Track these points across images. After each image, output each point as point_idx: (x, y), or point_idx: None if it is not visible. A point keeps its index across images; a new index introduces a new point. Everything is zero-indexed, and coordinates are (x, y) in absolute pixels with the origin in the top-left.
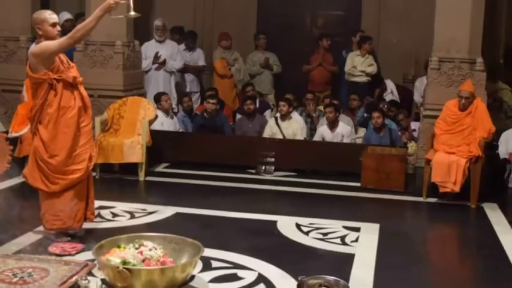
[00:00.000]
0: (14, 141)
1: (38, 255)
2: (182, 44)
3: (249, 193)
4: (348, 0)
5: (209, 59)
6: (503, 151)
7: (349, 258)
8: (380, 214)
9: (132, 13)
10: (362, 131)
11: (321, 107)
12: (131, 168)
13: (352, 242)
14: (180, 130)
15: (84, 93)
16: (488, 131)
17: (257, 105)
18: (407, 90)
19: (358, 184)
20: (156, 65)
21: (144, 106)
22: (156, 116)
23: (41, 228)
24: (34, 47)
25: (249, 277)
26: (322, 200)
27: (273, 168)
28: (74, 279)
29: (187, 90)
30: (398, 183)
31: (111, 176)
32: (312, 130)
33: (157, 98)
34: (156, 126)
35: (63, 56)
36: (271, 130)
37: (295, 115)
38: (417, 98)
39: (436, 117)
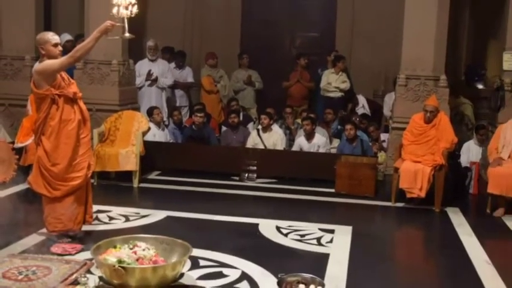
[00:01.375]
0: (20, 151)
1: (41, 254)
2: (172, 63)
3: (233, 198)
4: (323, 23)
5: (197, 76)
6: (464, 160)
7: (324, 258)
8: (352, 217)
9: (127, 34)
10: (336, 142)
11: (299, 120)
12: (126, 175)
13: (327, 242)
14: (171, 141)
15: (83, 107)
16: (451, 142)
17: (241, 118)
18: (377, 105)
19: (333, 190)
20: (148, 82)
21: (137, 119)
22: (149, 128)
23: (44, 230)
24: (38, 65)
25: (233, 275)
26: (300, 205)
27: (255, 175)
28: (74, 276)
29: (177, 104)
30: (369, 189)
31: (108, 182)
32: (290, 141)
33: (150, 112)
34: (149, 137)
35: (64, 74)
36: (253, 141)
37: (275, 127)
38: (386, 111)
39: (403, 129)
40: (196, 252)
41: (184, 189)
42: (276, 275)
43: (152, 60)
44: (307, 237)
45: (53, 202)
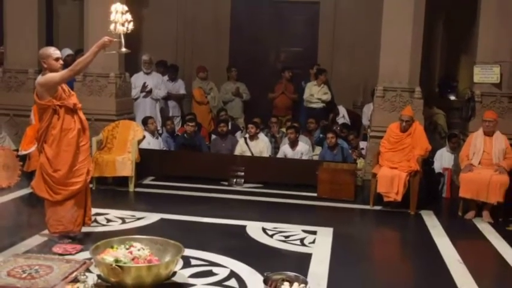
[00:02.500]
0: (23, 158)
1: (43, 254)
2: (166, 76)
3: (222, 202)
4: (306, 39)
5: (189, 88)
6: (438, 166)
7: (307, 257)
8: (333, 220)
9: (123, 49)
10: (318, 149)
11: (284, 129)
12: (122, 181)
13: (309, 243)
14: (164, 148)
15: (83, 117)
16: (425, 150)
17: (229, 127)
18: (356, 115)
19: (315, 194)
20: (143, 93)
21: (133, 128)
22: (144, 137)
23: (46, 231)
24: (40, 78)
25: (222, 273)
26: (285, 208)
27: (242, 180)
28: (74, 275)
29: (170, 114)
30: (349, 194)
31: (106, 187)
32: (275, 148)
33: (145, 121)
34: (144, 145)
35: (65, 86)
36: (241, 148)
37: (261, 136)
38: (365, 121)
39: (381, 137)
40: (188, 252)
41: (176, 194)
42: (262, 274)
43: (147, 73)
44: (291, 238)
45: (55, 205)
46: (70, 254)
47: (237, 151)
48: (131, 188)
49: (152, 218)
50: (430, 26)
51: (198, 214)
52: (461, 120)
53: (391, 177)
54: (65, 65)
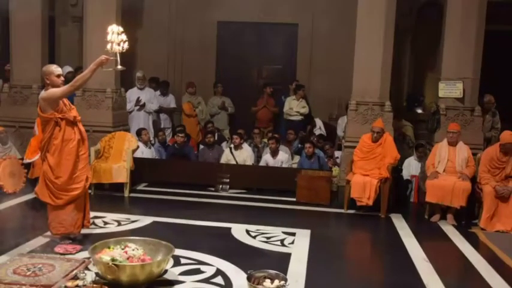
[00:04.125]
0: (28, 166)
1: (46, 254)
2: (158, 91)
3: (209, 206)
4: (286, 57)
5: (179, 102)
6: (406, 174)
7: (287, 257)
8: (311, 222)
9: (119, 67)
10: (297, 158)
11: (265, 140)
12: (118, 186)
13: (289, 243)
14: (156, 157)
15: (82, 128)
16: (394, 158)
17: (216, 138)
18: (332, 127)
19: (294, 199)
20: (137, 107)
21: (128, 139)
22: (138, 147)
23: (48, 233)
24: (43, 93)
25: (209, 271)
26: (266, 211)
27: (228, 187)
28: (74, 272)
29: (162, 126)
30: (325, 199)
31: (103, 192)
32: (258, 157)
33: (139, 133)
34: (138, 154)
35: (65, 100)
36: (226, 157)
37: (245, 146)
38: (339, 132)
39: (354, 147)
40: (178, 252)
41: (167, 199)
42: (245, 271)
43: (140, 89)
44: (272, 239)
45: (56, 209)
46: (70, 254)
47: (223, 160)
48: (126, 194)
49: (145, 220)
50: (399, 46)
51: (187, 217)
52: (428, 131)
53: (363, 184)
54: (66, 81)
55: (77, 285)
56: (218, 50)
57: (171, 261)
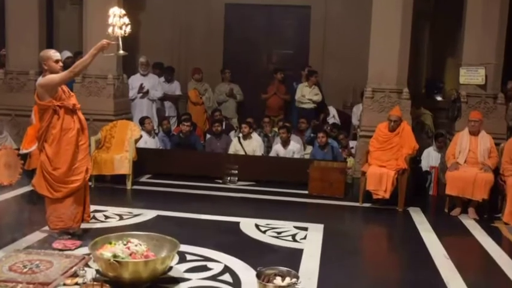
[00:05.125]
0: (24, 157)
1: (44, 250)
2: (162, 77)
3: (216, 199)
4: (298, 41)
5: (184, 89)
6: (425, 165)
7: (298, 253)
8: (324, 216)
9: (121, 52)
10: (309, 148)
11: (276, 129)
12: (120, 178)
13: (301, 239)
14: (160, 147)
15: (82, 117)
16: (412, 148)
17: (223, 127)
18: (346, 115)
19: (306, 192)
20: (140, 94)
21: (131, 128)
22: (141, 136)
23: (46, 228)
24: (41, 80)
25: (216, 268)
26: (277, 205)
27: (236, 178)
28: (73, 269)
29: (166, 114)
30: (339, 191)
31: (104, 185)
32: (268, 147)
33: (142, 121)
34: (141, 144)
35: (64, 87)
36: (234, 147)
37: (254, 135)
38: (354, 121)
39: (370, 137)
40: (183, 247)
41: (172, 191)
42: (255, 268)
43: (144, 75)
44: (283, 234)
45: (55, 203)
46: (69, 250)
47: (231, 150)
48: (129, 186)
49: (149, 214)
50: (417, 29)
51: (193, 211)
52: (448, 120)
53: (380, 175)
54: (65, 67)
55: (76, 283)
56: (226, 33)
57: (176, 258)
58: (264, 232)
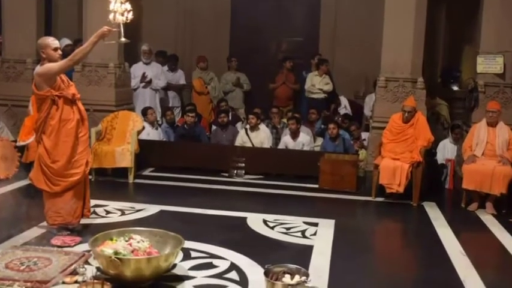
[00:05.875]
0: (22, 149)
1: (42, 246)
2: (165, 66)
3: (222, 193)
4: (307, 28)
5: (188, 79)
6: (440, 157)
7: (308, 249)
8: (335, 211)
9: (123, 39)
10: (320, 140)
11: (285, 120)
12: (122, 172)
13: (311, 235)
14: (164, 139)
15: (82, 107)
16: (428, 140)
17: (230, 118)
18: (358, 105)
19: (316, 186)
20: (143, 84)
21: (133, 119)
22: (143, 127)
23: (44, 223)
24: (39, 68)
25: (222, 265)
26: (286, 199)
27: (243, 172)
28: (73, 267)
29: (170, 105)
30: (351, 185)
31: (105, 178)
32: (276, 139)
33: (144, 112)
34: (143, 136)
35: (63, 76)
36: (241, 139)
37: (262, 126)
38: (367, 111)
39: (383, 128)
40: (188, 244)
41: (176, 185)
42: (263, 266)
43: (146, 64)
44: (292, 230)
45: (53, 197)
46: (69, 246)
47: (238, 142)
48: (130, 180)
49: (152, 209)
50: (432, 16)
51: (198, 206)
52: (464, 110)
53: (394, 169)
54: (64, 55)
55: (76, 281)
56: (232, 20)
57: (180, 255)
58: (272, 228)
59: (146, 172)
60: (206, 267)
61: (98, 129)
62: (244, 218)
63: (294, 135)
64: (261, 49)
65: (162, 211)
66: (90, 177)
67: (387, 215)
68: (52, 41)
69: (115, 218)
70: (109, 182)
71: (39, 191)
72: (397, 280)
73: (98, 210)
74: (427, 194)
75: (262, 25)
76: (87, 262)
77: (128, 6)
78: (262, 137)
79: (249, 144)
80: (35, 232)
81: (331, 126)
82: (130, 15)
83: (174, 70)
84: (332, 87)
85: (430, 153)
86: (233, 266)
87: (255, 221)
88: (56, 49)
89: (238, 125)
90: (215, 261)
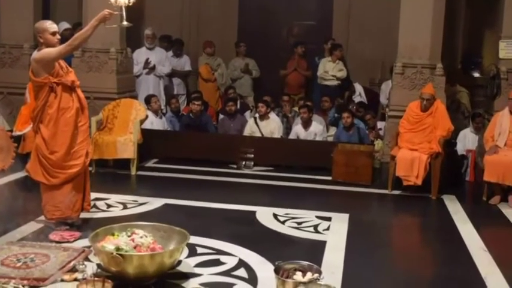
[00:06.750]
0: (18, 139)
1: (39, 242)
2: (170, 51)
3: (230, 186)
4: (320, 12)
5: (194, 65)
6: (460, 148)
7: (321, 245)
8: (349, 205)
9: (125, 23)
10: (333, 130)
11: (296, 108)
12: (124, 163)
13: (324, 230)
14: (168, 129)
15: (81, 95)
16: (447, 130)
17: (238, 106)
18: (374, 93)
19: (330, 178)
20: (146, 70)
21: (135, 107)
22: (147, 116)
23: (42, 218)
24: (36, 54)
25: (230, 262)
26: (297, 192)
27: (252, 163)
28: (72, 264)
29: (175, 92)
30: (366, 177)
31: (106, 170)
32: (287, 129)
33: (148, 100)
34: (147, 125)
35: (62, 62)
36: (250, 129)
37: (272, 115)
38: (383, 99)
39: (400, 117)
40: (193, 239)
41: (181, 177)
42: (273, 263)
43: (150, 49)
44: (304, 224)
45: (51, 190)
46: (68, 242)
47: (246, 132)
48: (133, 171)
49: (155, 203)
50: None
51: (204, 199)
52: (486, 98)
53: (411, 160)
54: (63, 40)
55: (75, 279)
56: (241, 2)
57: (186, 251)
58: (283, 222)
59: (149, 163)
60: (213, 264)
61: (98, 118)
62: (254, 212)
63: (306, 124)
64: (271, 33)
65: (166, 204)
66: (90, 168)
67: (404, 208)
68: (50, 25)
69: (117, 212)
70: (110, 174)
71: (37, 184)
72: (415, 277)
73: (98, 203)
74: (446, 187)
75: (273, 8)
76: (87, 259)
77: None
78: (272, 126)
79: (258, 134)
80: (32, 227)
81: (345, 115)
82: None
83: (179, 56)
84: (346, 73)
85: (449, 143)
86: (241, 263)
87: (265, 215)
88: (54, 33)
89: (247, 113)
90: (222, 258)
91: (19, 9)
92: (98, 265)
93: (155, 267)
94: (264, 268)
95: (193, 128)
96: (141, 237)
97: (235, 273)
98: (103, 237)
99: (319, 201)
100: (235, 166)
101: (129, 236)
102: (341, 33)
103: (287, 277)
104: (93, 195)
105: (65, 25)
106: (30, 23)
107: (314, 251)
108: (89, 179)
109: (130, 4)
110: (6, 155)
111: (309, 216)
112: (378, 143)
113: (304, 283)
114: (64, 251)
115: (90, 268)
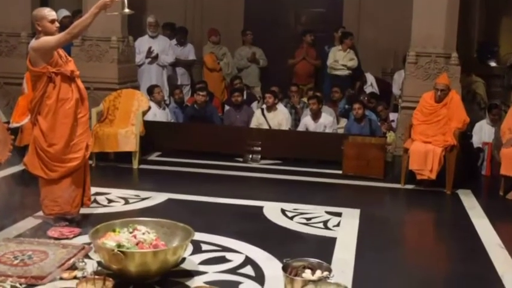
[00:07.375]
0: (15, 131)
1: (37, 238)
2: (173, 40)
3: (236, 180)
4: None
5: (199, 54)
6: (476, 140)
7: (331, 242)
8: (360, 200)
9: (126, 10)
10: (343, 122)
11: (305, 99)
12: (125, 156)
13: (334, 226)
14: (172, 121)
15: (81, 85)
16: (462, 122)
17: (244, 97)
18: (386, 83)
19: (340, 171)
20: (149, 59)
21: (137, 98)
22: (149, 107)
23: (40, 213)
24: (34, 42)
25: (236, 259)
26: (306, 187)
27: (259, 156)
28: (71, 261)
29: (179, 83)
30: (378, 171)
31: (107, 164)
32: (296, 121)
33: (150, 90)
34: (149, 117)
35: (61, 51)
36: (257, 121)
37: (280, 106)
38: (395, 90)
39: (413, 108)
40: (198, 236)
41: (185, 171)
42: (281, 260)
43: (152, 37)
44: (313, 220)
45: (50, 184)
46: (67, 239)
47: (253, 123)
48: (135, 165)
49: (158, 198)
50: None
51: (209, 194)
52: (503, 89)
53: (425, 153)
54: (62, 28)
55: (74, 277)
56: None
57: (190, 248)
58: (291, 218)
59: (152, 157)
60: (218, 261)
61: (99, 109)
62: (261, 207)
63: (315, 116)
64: (279, 21)
65: (169, 200)
66: (90, 162)
67: (418, 203)
68: (48, 12)
69: (118, 207)
70: (111, 167)
71: (35, 178)
72: (428, 275)
73: (99, 198)
74: (461, 181)
75: None
76: (87, 256)
77: None
78: (280, 118)
79: (265, 126)
80: (29, 223)
81: (356, 106)
82: None
83: (183, 44)
84: (357, 63)
85: (465, 135)
86: (248, 260)
87: (272, 210)
88: (52, 21)
89: (254, 104)
90: (228, 255)
91: None
92: (99, 263)
93: (158, 265)
94: (271, 266)
95: (197, 119)
96: (144, 233)
97: (241, 271)
98: (104, 233)
99: (329, 196)
100: (241, 159)
101: (130, 233)
102: (352, 21)
103: (295, 275)
104: (94, 189)
105: (64, 12)
106: (28, 10)
107: (324, 248)
108: (89, 172)
109: None
110: (3, 147)
111: (318, 211)
112: (390, 136)
113: (313, 281)
114: (63, 248)
115: (90, 266)
